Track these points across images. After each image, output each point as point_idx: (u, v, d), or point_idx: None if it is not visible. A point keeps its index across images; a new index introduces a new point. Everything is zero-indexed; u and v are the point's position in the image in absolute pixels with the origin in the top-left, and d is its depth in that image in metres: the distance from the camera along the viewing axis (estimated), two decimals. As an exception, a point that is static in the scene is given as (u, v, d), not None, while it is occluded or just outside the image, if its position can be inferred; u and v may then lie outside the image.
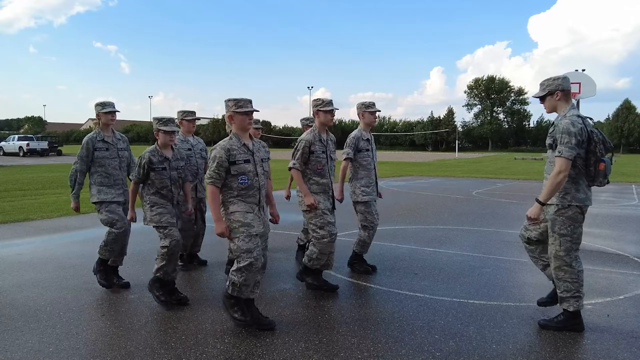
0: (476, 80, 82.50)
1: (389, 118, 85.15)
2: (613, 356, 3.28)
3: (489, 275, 5.20)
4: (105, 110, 4.60)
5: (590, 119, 3.68)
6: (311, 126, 5.42)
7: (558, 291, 3.73)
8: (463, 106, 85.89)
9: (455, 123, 78.12)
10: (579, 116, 3.58)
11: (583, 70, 14.97)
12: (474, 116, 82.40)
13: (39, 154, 36.04)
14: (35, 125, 76.49)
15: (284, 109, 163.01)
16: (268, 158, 3.82)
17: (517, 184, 17.47)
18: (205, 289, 4.74)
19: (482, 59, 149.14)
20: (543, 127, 73.82)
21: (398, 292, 4.62)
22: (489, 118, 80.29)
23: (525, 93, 79.34)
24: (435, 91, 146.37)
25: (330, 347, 3.37)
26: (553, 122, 3.72)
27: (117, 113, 4.68)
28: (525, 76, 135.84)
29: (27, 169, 22.13)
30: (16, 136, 39.93)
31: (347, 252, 5.49)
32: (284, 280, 4.98)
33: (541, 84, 3.78)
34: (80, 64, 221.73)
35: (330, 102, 4.50)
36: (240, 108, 3.55)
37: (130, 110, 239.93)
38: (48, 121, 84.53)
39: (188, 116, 5.31)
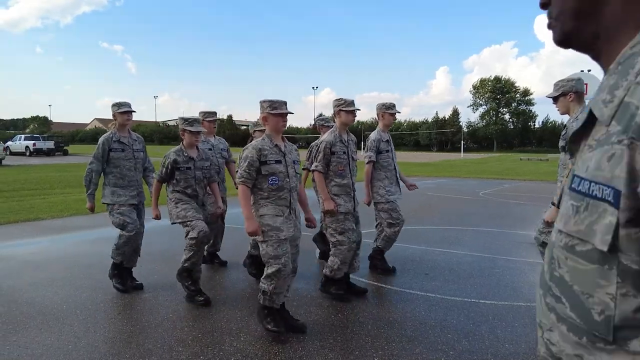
0: (482, 81, 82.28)
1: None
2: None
3: (499, 276, 5.23)
4: (121, 110, 4.64)
5: None
6: (326, 126, 5.43)
7: None
8: (468, 106, 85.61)
9: (460, 123, 77.94)
10: None
11: (589, 70, 14.97)
12: (480, 116, 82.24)
13: (45, 153, 36.23)
14: (40, 125, 76.82)
15: (288, 109, 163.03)
16: (298, 160, 3.80)
17: (524, 184, 17.43)
18: (220, 287, 4.79)
19: (489, 59, 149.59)
20: (548, 128, 73.59)
21: (410, 292, 4.65)
22: (494, 118, 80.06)
23: (531, 94, 79.10)
24: (441, 91, 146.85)
25: (345, 346, 3.41)
26: (565, 125, 3.74)
27: (133, 113, 4.73)
28: (532, 76, 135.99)
29: (34, 168, 22.27)
30: (22, 136, 40.12)
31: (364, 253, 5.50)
32: (297, 280, 4.99)
33: (555, 84, 3.81)
34: (87, 64, 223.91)
35: (352, 102, 4.49)
36: (275, 110, 3.56)
37: (136, 110, 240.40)
38: (53, 121, 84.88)
39: (209, 117, 5.42)
